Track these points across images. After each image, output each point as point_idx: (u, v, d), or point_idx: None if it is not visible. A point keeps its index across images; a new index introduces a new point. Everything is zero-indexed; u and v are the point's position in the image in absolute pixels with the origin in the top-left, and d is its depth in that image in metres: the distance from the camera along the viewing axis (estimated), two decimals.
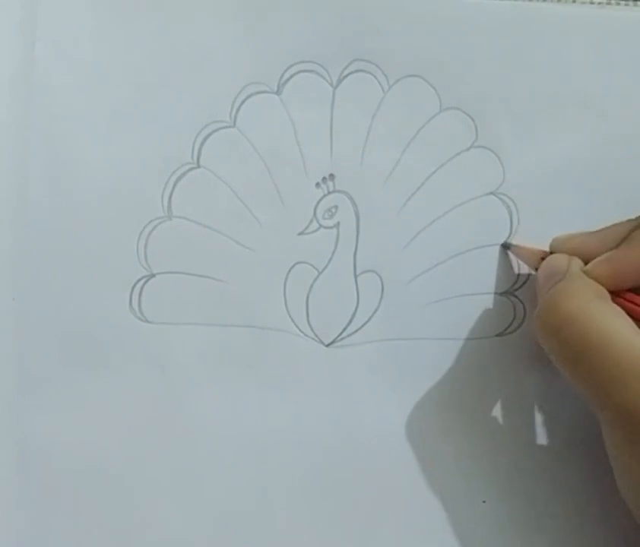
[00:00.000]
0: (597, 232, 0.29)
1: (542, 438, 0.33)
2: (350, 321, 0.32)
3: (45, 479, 0.31)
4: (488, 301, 0.33)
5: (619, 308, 0.27)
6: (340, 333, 0.32)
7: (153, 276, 0.32)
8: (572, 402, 0.32)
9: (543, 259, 0.30)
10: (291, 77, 0.32)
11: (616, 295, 0.28)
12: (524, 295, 0.33)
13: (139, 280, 0.32)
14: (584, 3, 0.33)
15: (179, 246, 0.32)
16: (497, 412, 0.33)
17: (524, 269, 0.33)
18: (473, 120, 0.32)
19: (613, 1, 0.33)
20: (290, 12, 0.32)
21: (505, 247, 0.33)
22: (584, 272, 0.28)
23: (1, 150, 0.32)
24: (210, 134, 0.32)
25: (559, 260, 0.29)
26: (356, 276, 0.32)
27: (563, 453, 0.32)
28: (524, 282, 0.33)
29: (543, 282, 0.29)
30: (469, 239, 0.33)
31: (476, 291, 0.33)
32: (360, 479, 0.32)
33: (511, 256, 0.32)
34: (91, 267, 0.32)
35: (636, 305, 0.27)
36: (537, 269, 0.31)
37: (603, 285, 0.27)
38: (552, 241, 0.31)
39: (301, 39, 0.32)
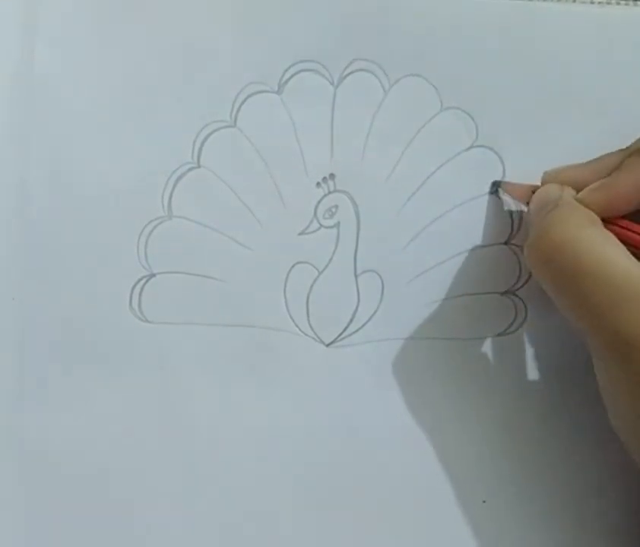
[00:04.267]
0: (589, 162, 0.29)
1: (542, 438, 0.33)
2: (351, 321, 0.32)
3: (45, 479, 0.31)
4: (489, 300, 0.33)
5: (610, 234, 0.26)
6: (341, 333, 0.32)
7: (153, 276, 0.32)
8: (573, 401, 0.33)
9: (534, 193, 0.30)
10: (292, 76, 0.32)
11: (608, 222, 0.27)
12: (525, 295, 0.33)
13: (139, 280, 0.32)
14: (584, 3, 0.33)
15: (179, 246, 0.32)
16: (498, 411, 0.33)
17: (526, 268, 0.33)
18: (473, 119, 0.32)
19: (613, 1, 0.33)
20: (291, 11, 0.32)
21: (495, 185, 0.32)
22: (577, 200, 0.28)
23: (1, 150, 0.31)
24: (210, 134, 0.32)
25: (550, 189, 0.29)
26: (356, 276, 0.32)
27: (564, 453, 0.32)
28: (525, 282, 0.33)
29: (535, 212, 0.29)
30: (469, 239, 0.33)
31: (476, 291, 0.33)
32: (360, 479, 0.32)
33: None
34: (91, 266, 0.32)
35: (630, 230, 0.27)
36: (528, 204, 0.30)
37: (595, 212, 0.27)
38: (544, 175, 0.30)
39: (302, 38, 0.32)
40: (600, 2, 0.33)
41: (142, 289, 0.32)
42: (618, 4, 0.33)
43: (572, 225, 0.26)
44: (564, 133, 0.32)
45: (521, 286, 0.33)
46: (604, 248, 0.26)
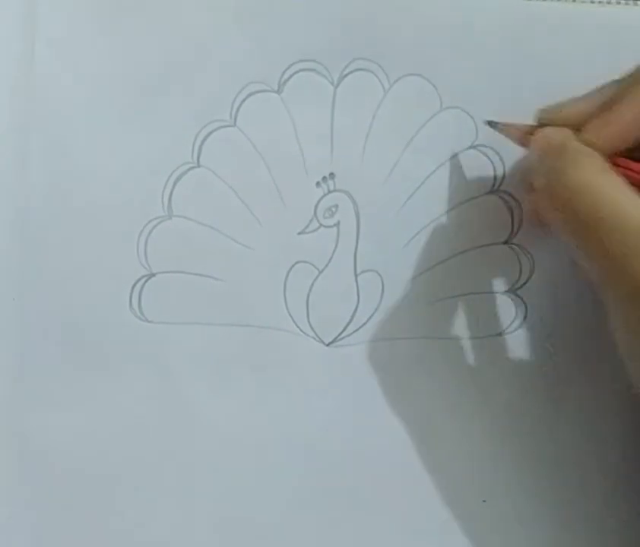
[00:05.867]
0: (584, 96, 0.29)
1: (543, 438, 0.33)
2: (351, 320, 0.32)
3: (45, 479, 0.31)
4: (489, 300, 0.33)
5: (623, 180, 0.26)
6: (341, 333, 0.32)
7: (153, 275, 0.32)
8: (574, 401, 0.33)
9: (530, 134, 0.29)
10: (292, 75, 0.32)
11: (609, 160, 0.27)
12: (525, 294, 0.33)
13: (139, 280, 0.32)
14: (584, 3, 0.33)
15: (179, 245, 0.32)
16: (498, 411, 0.33)
17: (526, 267, 0.33)
18: (473, 119, 0.32)
19: (613, 1, 0.33)
20: (291, 11, 0.32)
21: (491, 125, 0.31)
22: (580, 140, 0.27)
23: (1, 149, 0.32)
24: (210, 133, 0.32)
25: (552, 133, 0.28)
26: (356, 276, 0.32)
27: (564, 452, 0.32)
28: (526, 281, 0.33)
29: (541, 156, 0.28)
30: (470, 238, 0.33)
31: (477, 290, 0.33)
32: (360, 479, 0.32)
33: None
34: (91, 266, 0.32)
35: (629, 169, 0.27)
36: (523, 145, 0.30)
37: (601, 149, 0.27)
38: (538, 113, 0.30)
39: (302, 37, 0.32)
40: (600, 2, 0.33)
41: (142, 288, 0.32)
42: (618, 3, 0.33)
43: (587, 170, 0.26)
44: None
45: (521, 286, 0.33)
46: (620, 196, 0.25)
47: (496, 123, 0.31)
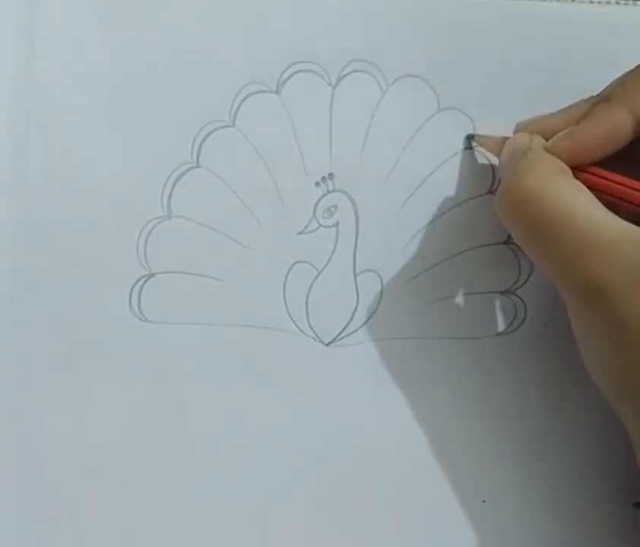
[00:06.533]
0: (559, 111, 0.29)
1: (542, 438, 0.33)
2: (350, 321, 0.32)
3: (45, 479, 0.31)
4: (488, 300, 0.33)
5: (580, 183, 0.26)
6: (340, 333, 0.32)
7: (152, 275, 0.32)
8: (574, 401, 0.32)
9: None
10: (290, 76, 0.32)
11: (578, 170, 0.27)
12: (524, 294, 0.33)
13: (139, 280, 0.32)
14: (583, 3, 0.33)
15: (179, 246, 0.32)
16: (497, 411, 0.33)
17: (525, 267, 0.33)
18: (471, 120, 0.32)
19: (612, 1, 0.33)
20: (290, 12, 0.32)
21: (469, 138, 0.32)
22: (546, 148, 0.28)
23: (1, 150, 0.32)
24: (209, 134, 0.32)
25: (520, 138, 0.29)
26: (355, 276, 0.32)
27: (564, 452, 0.32)
28: (525, 281, 0.33)
29: (505, 162, 0.29)
30: (469, 238, 0.33)
31: (476, 290, 0.33)
32: (360, 479, 0.32)
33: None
34: (91, 266, 0.32)
35: (600, 177, 0.27)
36: (498, 156, 0.30)
37: (564, 161, 0.27)
38: (515, 126, 0.30)
39: (300, 38, 0.32)
40: (599, 2, 0.33)
41: (142, 288, 0.32)
42: (618, 3, 0.33)
43: (540, 174, 0.26)
44: None
45: (521, 286, 0.33)
46: (571, 197, 0.26)
47: (473, 136, 0.32)
